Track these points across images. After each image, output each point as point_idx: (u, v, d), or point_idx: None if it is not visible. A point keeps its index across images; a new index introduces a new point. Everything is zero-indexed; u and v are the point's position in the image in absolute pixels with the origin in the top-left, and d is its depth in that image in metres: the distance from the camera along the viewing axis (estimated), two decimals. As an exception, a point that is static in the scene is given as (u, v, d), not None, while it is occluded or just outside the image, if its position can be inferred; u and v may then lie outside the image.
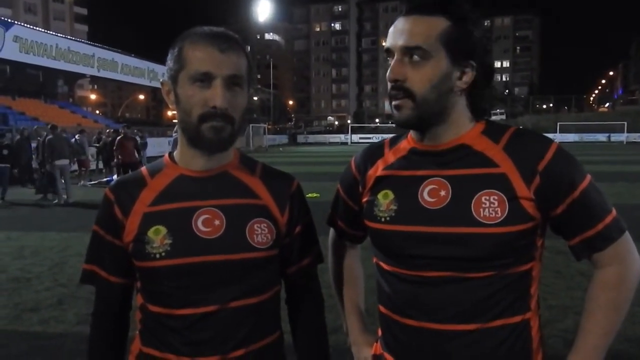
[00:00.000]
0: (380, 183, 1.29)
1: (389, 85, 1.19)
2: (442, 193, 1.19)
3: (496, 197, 1.15)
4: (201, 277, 1.21)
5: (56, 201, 12.55)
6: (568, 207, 1.16)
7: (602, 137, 52.16)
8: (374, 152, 1.36)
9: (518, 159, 1.17)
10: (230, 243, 1.23)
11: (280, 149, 48.52)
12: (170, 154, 1.34)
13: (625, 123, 50.62)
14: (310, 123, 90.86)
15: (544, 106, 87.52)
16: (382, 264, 1.29)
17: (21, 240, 8.15)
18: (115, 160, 14.81)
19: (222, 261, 1.21)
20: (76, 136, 16.86)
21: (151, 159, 16.73)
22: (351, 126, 64.12)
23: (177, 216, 1.23)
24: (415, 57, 1.16)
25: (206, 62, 1.18)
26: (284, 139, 62.98)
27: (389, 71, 1.18)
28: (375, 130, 63.22)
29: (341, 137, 62.50)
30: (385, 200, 1.25)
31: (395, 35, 1.18)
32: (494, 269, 1.16)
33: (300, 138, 65.08)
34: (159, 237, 1.21)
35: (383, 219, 1.25)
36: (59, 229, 9.09)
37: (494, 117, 69.20)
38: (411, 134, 1.29)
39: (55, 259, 6.88)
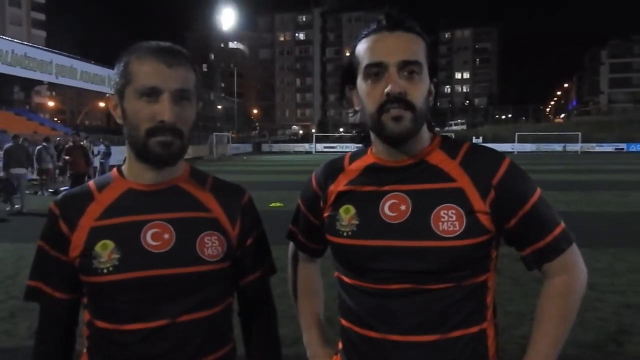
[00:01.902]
0: (342, 198, 1.31)
1: (383, 98, 1.18)
2: (403, 207, 1.22)
3: (454, 211, 1.19)
4: (150, 292, 1.19)
5: (9, 209, 12.25)
6: (520, 220, 1.21)
7: (558, 147, 53.88)
8: (334, 168, 1.38)
9: (474, 174, 1.22)
10: (180, 257, 1.22)
11: (245, 157, 48.19)
12: (119, 168, 1.33)
13: (580, 133, 52.57)
14: (275, 132, 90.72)
15: (503, 117, 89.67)
16: (343, 277, 1.31)
17: (-29, 252, 7.84)
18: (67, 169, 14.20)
19: (172, 275, 1.20)
20: (44, 144, 16.41)
21: (114, 168, 16.26)
22: (315, 135, 64.35)
23: (125, 230, 1.22)
24: (413, 72, 1.19)
25: (153, 77, 1.18)
26: (248, 147, 62.68)
27: (391, 85, 1.16)
28: (340, 140, 63.56)
29: (305, 146, 62.68)
30: (347, 215, 1.27)
31: (388, 49, 1.19)
32: (453, 280, 1.19)
33: (265, 147, 64.95)
34: (106, 251, 1.19)
35: (345, 234, 1.26)
36: (12, 239, 8.78)
37: (455, 127, 70.82)
38: (376, 148, 1.30)
39: (7, 271, 6.64)
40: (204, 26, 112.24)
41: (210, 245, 1.25)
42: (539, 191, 1.25)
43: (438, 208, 1.20)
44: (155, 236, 1.22)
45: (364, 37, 1.24)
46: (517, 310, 4.89)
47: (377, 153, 1.30)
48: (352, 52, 1.27)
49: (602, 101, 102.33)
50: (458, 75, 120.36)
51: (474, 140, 56.51)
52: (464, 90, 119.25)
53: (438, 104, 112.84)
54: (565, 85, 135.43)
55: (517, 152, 50.76)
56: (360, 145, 1.39)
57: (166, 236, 1.22)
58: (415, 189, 1.23)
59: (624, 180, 19.11)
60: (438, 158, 1.25)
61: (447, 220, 1.18)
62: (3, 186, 12.84)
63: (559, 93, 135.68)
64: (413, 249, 1.19)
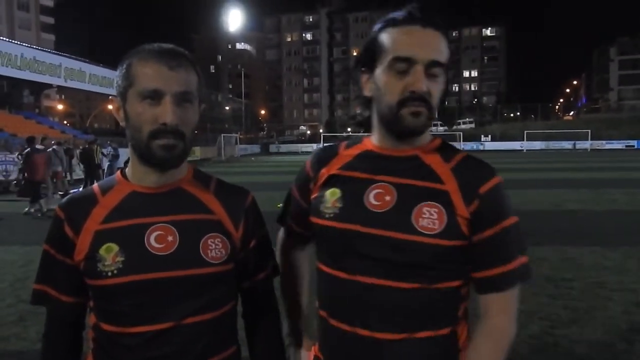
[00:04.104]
0: (331, 181, 1.32)
1: (406, 94, 1.18)
2: (387, 198, 1.23)
3: (436, 210, 1.19)
4: (155, 294, 1.20)
5: (33, 210, 12.50)
6: (484, 239, 1.21)
7: (567, 144, 53.47)
8: (329, 152, 1.39)
9: (463, 181, 1.22)
10: (183, 259, 1.22)
11: (252, 158, 48.30)
12: (122, 171, 1.33)
13: (589, 131, 52.09)
14: (282, 132, 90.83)
15: (512, 115, 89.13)
16: (321, 266, 1.31)
17: (-18, 255, 7.89)
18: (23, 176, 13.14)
19: (175, 277, 1.20)
20: (54, 147, 16.59)
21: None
22: (323, 135, 64.33)
23: (130, 233, 1.22)
24: (437, 72, 1.20)
25: (155, 79, 1.18)
26: (256, 148, 62.81)
27: (418, 82, 1.17)
28: (347, 139, 63.24)
29: (313, 147, 62.48)
30: (332, 197, 1.28)
31: (420, 46, 1.18)
32: (423, 281, 1.20)
33: (273, 147, 65.05)
34: (110, 254, 1.20)
35: (327, 215, 1.28)
36: (22, 242, 8.84)
37: (463, 126, 70.49)
38: (376, 136, 1.30)
39: (17, 274, 6.69)
40: (211, 27, 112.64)
41: (214, 248, 1.25)
42: (514, 219, 1.24)
43: (422, 204, 1.20)
44: (159, 238, 1.22)
45: (392, 26, 1.22)
46: (527, 310, 4.86)
47: (375, 141, 1.31)
48: (375, 38, 1.24)
49: (612, 98, 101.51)
50: (466, 74, 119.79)
51: (483, 139, 56.31)
52: (472, 88, 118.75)
53: (446, 102, 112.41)
54: (574, 82, 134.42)
55: (526, 150, 50.47)
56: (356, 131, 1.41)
57: (170, 238, 1.23)
58: (403, 182, 1.23)
59: (634, 178, 18.93)
60: (432, 159, 1.26)
61: (429, 218, 1.19)
62: (26, 187, 13.15)
63: (567, 91, 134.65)
64: (390, 239, 1.19)
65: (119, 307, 1.21)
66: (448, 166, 1.25)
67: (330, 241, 1.28)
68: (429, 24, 1.19)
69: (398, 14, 1.22)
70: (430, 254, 1.18)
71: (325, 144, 1.44)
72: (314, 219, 1.32)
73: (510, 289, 1.23)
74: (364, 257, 1.21)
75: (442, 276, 1.21)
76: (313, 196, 1.35)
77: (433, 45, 1.19)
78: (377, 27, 1.25)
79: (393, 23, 1.22)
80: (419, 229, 1.18)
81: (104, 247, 1.21)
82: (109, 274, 1.19)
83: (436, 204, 1.20)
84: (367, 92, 1.28)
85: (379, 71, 1.22)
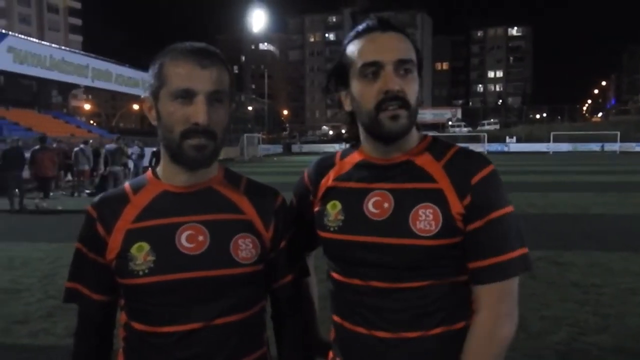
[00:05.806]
0: (330, 193, 1.34)
1: (380, 96, 1.20)
2: (386, 205, 1.25)
3: (431, 211, 1.21)
4: (185, 294, 1.20)
5: (9, 208, 12.69)
6: (475, 229, 1.21)
7: (595, 146, 52.33)
8: (326, 163, 1.42)
9: (454, 176, 1.24)
10: (214, 259, 1.22)
11: (275, 158, 48.50)
12: (154, 170, 1.33)
13: (618, 133, 50.91)
14: (305, 133, 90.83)
15: (538, 116, 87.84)
16: (333, 274, 1.34)
17: (10, 251, 8.08)
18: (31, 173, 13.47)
19: (206, 277, 1.20)
20: (81, 146, 16.93)
21: (147, 169, 16.46)
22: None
23: (161, 232, 1.22)
24: (408, 70, 1.23)
25: (187, 79, 1.17)
26: (278, 148, 62.98)
27: (389, 82, 1.20)
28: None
29: (335, 147, 62.51)
30: (334, 210, 1.31)
31: (384, 49, 1.22)
32: (431, 278, 1.22)
33: (295, 148, 65.05)
34: (142, 253, 1.20)
35: (332, 229, 1.30)
36: (49, 239, 9.03)
37: (487, 127, 69.70)
38: (366, 147, 1.33)
39: (45, 270, 6.82)
40: (235, 29, 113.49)
41: (244, 248, 1.25)
42: (508, 209, 1.23)
43: (417, 207, 1.22)
44: (190, 238, 1.22)
45: (355, 39, 1.27)
46: (553, 315, 4.78)
47: (367, 151, 1.33)
48: (343, 54, 1.29)
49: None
50: (491, 74, 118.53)
51: (508, 140, 55.59)
52: (497, 89, 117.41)
53: (470, 103, 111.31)
54: (603, 83, 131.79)
55: (553, 152, 49.65)
56: (346, 144, 1.43)
57: (200, 238, 1.22)
58: (398, 187, 1.26)
59: (664, 181, 18.47)
60: (424, 159, 1.28)
61: (425, 220, 1.21)
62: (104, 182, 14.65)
63: (596, 92, 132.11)
64: (392, 246, 1.22)
65: (149, 306, 1.21)
66: (440, 164, 1.27)
67: (338, 252, 1.31)
68: (388, 28, 1.25)
69: (359, 27, 1.28)
70: (431, 255, 1.20)
71: (321, 157, 1.47)
72: (320, 232, 1.34)
73: (503, 282, 1.20)
74: (372, 264, 1.24)
75: (449, 271, 1.23)
76: (315, 209, 1.37)
77: (396, 45, 1.23)
78: (344, 44, 1.30)
79: (355, 36, 1.27)
80: (417, 232, 1.20)
81: (136, 246, 1.21)
82: (140, 273, 1.19)
83: (430, 204, 1.22)
84: (347, 108, 1.32)
85: (353, 82, 1.26)
